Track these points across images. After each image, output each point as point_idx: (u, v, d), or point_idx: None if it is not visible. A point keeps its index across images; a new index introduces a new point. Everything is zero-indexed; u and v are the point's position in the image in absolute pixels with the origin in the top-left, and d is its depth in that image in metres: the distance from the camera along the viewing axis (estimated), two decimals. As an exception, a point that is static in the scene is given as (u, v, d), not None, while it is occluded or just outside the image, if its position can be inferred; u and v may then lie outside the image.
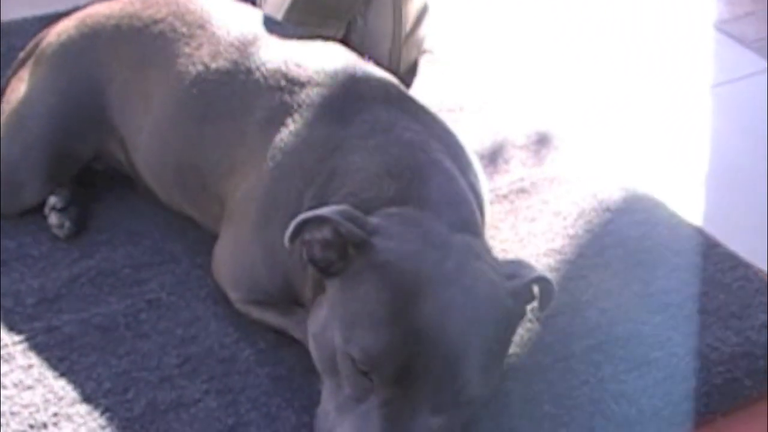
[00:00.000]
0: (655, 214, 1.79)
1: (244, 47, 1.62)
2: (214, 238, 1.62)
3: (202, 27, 1.67)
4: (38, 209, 1.72)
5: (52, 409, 1.40)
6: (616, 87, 2.17)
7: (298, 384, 1.46)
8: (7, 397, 1.42)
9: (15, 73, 1.83)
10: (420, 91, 2.10)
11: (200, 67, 1.63)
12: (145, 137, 1.68)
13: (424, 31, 2.23)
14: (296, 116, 1.52)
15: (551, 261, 1.69)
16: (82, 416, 1.41)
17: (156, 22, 1.70)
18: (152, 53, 1.68)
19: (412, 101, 1.57)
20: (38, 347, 1.49)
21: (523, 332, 1.55)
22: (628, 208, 1.80)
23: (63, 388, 1.43)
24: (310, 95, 1.54)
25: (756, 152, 1.93)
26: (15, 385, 1.44)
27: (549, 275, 1.37)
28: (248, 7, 1.76)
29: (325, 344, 1.33)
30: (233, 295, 1.58)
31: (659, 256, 1.70)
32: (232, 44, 1.63)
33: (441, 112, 1.71)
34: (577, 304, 1.60)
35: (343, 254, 1.32)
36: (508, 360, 1.51)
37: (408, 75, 2.16)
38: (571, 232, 1.75)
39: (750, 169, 1.94)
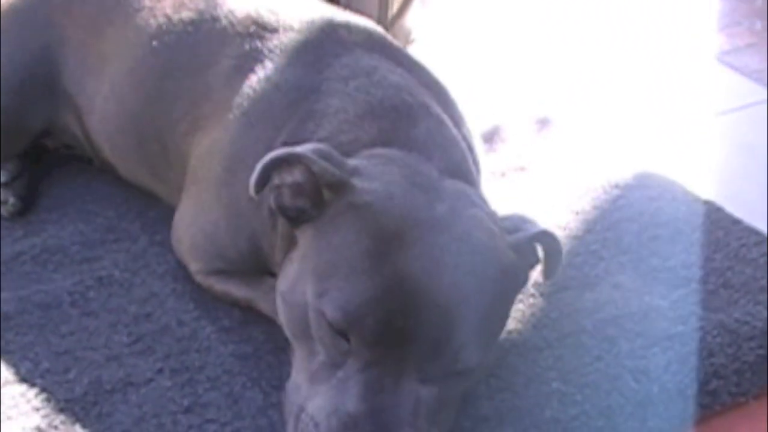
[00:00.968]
0: (669, 190, 1.63)
1: None
2: (177, 213, 1.45)
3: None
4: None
5: (-20, 390, 1.23)
6: (616, 87, 2.12)
7: (267, 363, 1.28)
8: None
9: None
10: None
11: (162, 20, 1.46)
12: (101, 102, 1.51)
13: (410, 20, 2.09)
14: (267, 62, 1.35)
15: (555, 236, 1.51)
16: (13, 398, 1.23)
17: (113, -25, 1.53)
18: (109, 10, 1.53)
19: (398, 49, 1.40)
20: (-31, 326, 1.33)
21: (524, 308, 1.36)
22: (639, 184, 1.64)
23: (-6, 368, 1.26)
24: (283, 41, 1.36)
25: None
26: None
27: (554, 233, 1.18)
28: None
29: (294, 302, 1.13)
30: (193, 267, 1.39)
31: (677, 231, 1.53)
32: (197, -7, 1.46)
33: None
34: (585, 279, 1.43)
35: (318, 201, 1.13)
36: (509, 336, 1.31)
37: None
38: (577, 208, 1.58)
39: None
